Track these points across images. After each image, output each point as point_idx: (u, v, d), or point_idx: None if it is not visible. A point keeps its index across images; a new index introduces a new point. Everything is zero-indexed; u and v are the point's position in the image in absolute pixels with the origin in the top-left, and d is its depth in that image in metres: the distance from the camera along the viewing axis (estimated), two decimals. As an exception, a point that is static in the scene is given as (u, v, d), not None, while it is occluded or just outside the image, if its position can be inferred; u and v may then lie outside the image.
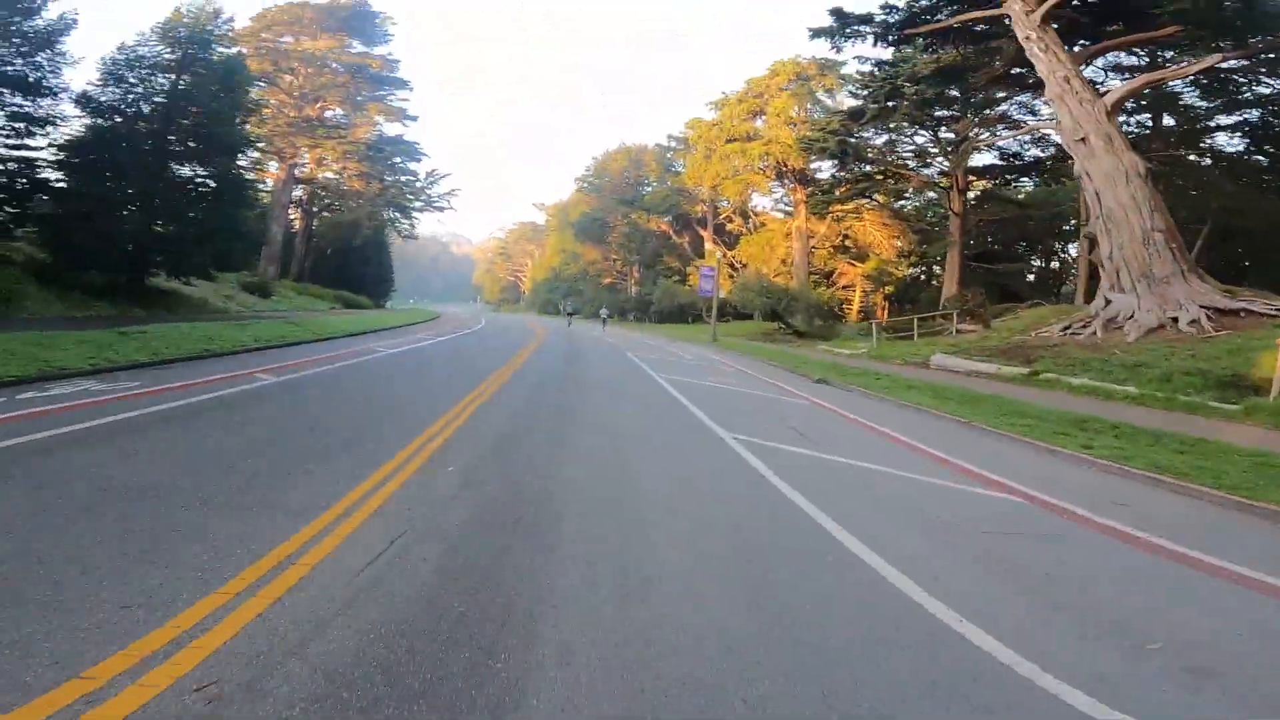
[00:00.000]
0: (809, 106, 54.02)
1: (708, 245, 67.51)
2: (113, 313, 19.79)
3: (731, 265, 62.15)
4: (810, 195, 49.54)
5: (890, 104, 35.11)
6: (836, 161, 43.97)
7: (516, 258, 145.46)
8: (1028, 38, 25.10)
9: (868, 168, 41.18)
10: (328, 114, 55.24)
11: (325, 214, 61.30)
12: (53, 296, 19.13)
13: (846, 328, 39.20)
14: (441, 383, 15.38)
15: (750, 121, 55.36)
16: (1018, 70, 30.21)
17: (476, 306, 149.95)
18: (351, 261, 61.56)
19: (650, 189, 74.86)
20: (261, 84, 43.36)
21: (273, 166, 49.47)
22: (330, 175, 55.48)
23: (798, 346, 32.83)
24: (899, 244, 49.37)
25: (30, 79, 20.85)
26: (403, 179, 61.37)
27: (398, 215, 64.56)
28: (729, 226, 67.99)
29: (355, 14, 53.05)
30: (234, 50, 28.58)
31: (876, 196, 46.11)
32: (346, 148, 52.82)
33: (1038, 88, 28.15)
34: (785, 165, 51.02)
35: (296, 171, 52.59)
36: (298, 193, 55.97)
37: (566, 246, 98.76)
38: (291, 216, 56.47)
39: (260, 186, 49.82)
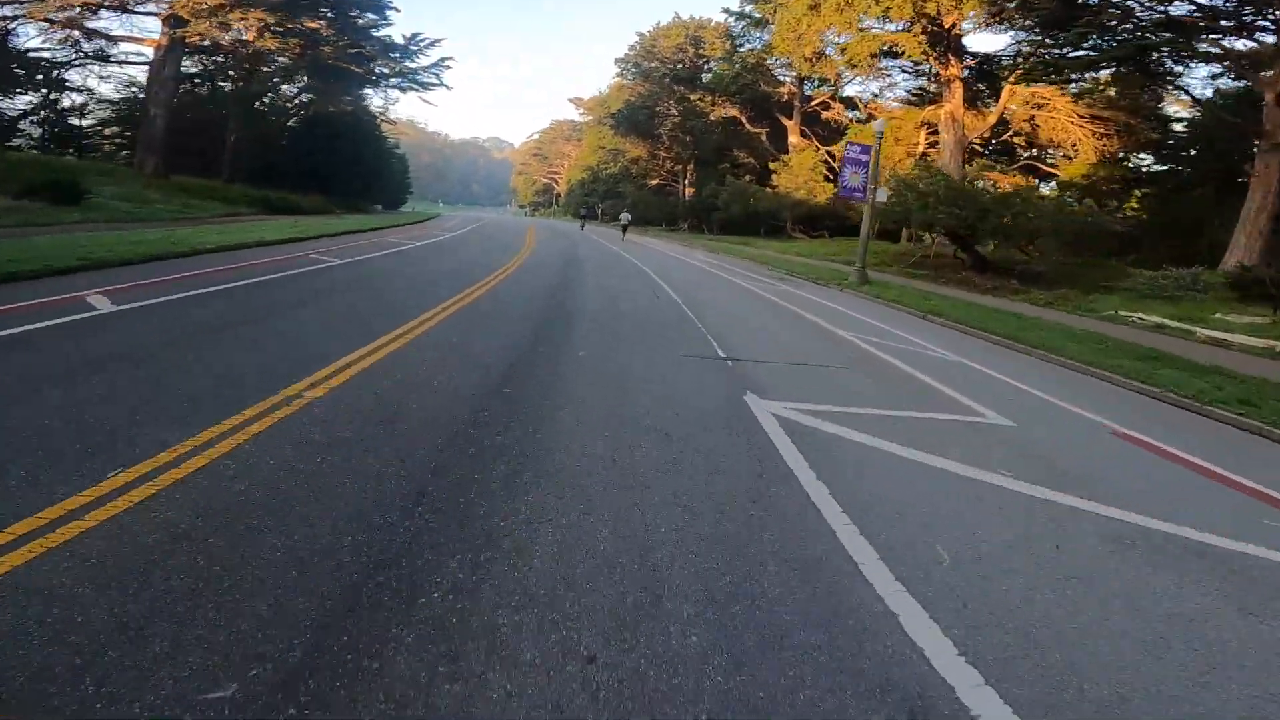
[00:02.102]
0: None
1: (793, 139, 51.85)
2: None
3: (830, 168, 46.82)
4: (982, 67, 33.94)
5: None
6: (1037, 27, 28.83)
7: (552, 159, 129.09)
8: None
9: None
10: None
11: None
12: None
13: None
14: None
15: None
16: None
17: (505, 212, 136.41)
18: (334, 162, 47.96)
19: (712, 72, 58.19)
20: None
21: (150, 32, 34.37)
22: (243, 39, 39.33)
23: (1040, 303, 18.37)
24: (1102, 145, 33.28)
25: None
26: (365, 44, 45.96)
27: (369, 93, 50.25)
28: (825, 116, 52.14)
29: None
30: None
31: (1102, 75, 30.64)
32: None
33: None
34: (941, 24, 34.87)
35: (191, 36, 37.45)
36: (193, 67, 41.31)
37: (605, 143, 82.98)
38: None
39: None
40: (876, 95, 50.09)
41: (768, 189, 48.38)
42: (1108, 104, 32.29)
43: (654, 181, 77.12)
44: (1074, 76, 32.54)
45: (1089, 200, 21.37)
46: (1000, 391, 8.21)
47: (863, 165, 19.95)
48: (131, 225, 17.66)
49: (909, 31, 35.60)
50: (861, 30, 36.52)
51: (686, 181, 67.27)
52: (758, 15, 51.17)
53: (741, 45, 55.91)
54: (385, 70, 47.65)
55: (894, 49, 37.65)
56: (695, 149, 62.17)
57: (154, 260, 11.76)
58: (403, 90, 51.93)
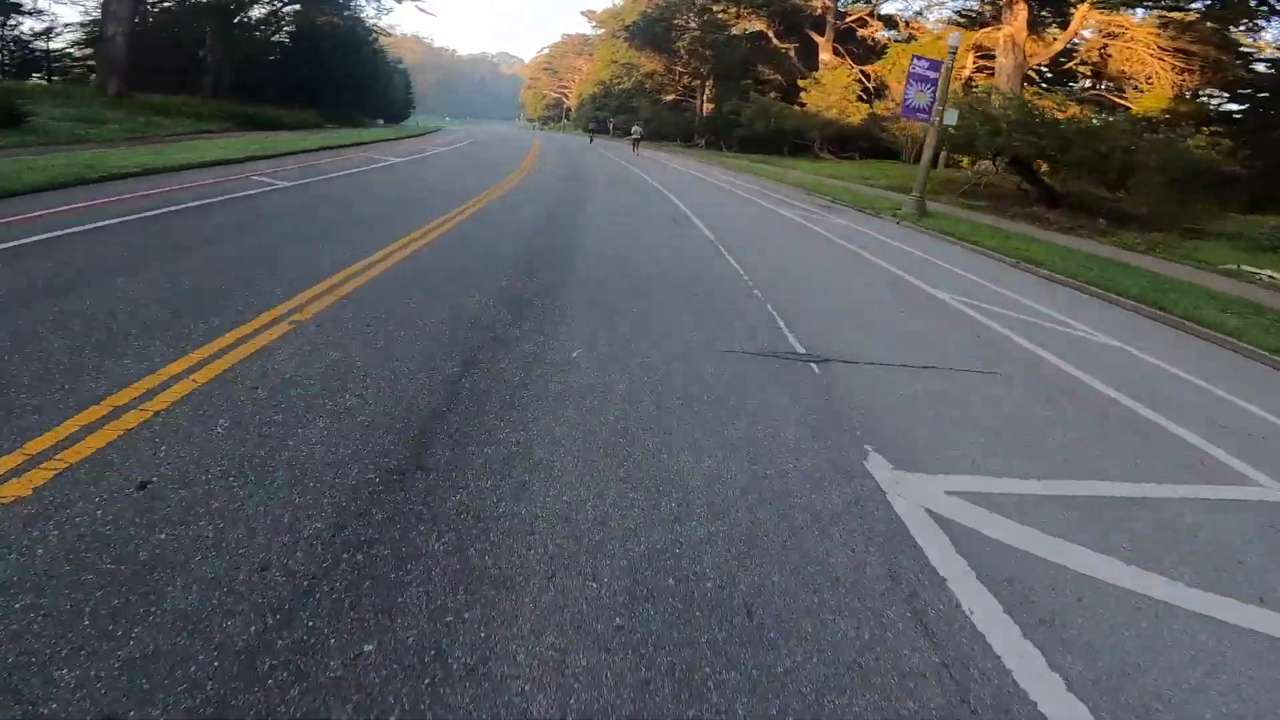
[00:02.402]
0: None
1: (824, 57, 47.37)
2: None
3: (865, 88, 42.68)
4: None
5: None
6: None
7: (563, 74, 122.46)
8: None
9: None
10: None
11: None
12: None
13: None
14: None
15: None
16: None
17: (512, 126, 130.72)
18: (324, 75, 44.81)
19: None
20: None
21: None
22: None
23: (1138, 249, 15.28)
24: (1181, 80, 29.09)
25: None
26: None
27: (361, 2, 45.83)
28: (861, 33, 47.53)
29: None
30: None
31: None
32: None
33: None
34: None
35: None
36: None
37: (619, 57, 77.58)
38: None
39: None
40: (920, 13, 45.61)
41: (794, 107, 44.18)
42: (1197, 36, 28.11)
43: (669, 97, 72.23)
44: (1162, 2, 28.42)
45: (1197, 135, 17.75)
46: (1228, 417, 5.43)
47: (930, 83, 16.52)
48: (71, 148, 14.74)
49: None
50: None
51: (705, 98, 62.67)
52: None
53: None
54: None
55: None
56: (715, 64, 57.43)
57: (52, 189, 9.05)
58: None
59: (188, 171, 12.32)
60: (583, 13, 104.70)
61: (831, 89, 41.76)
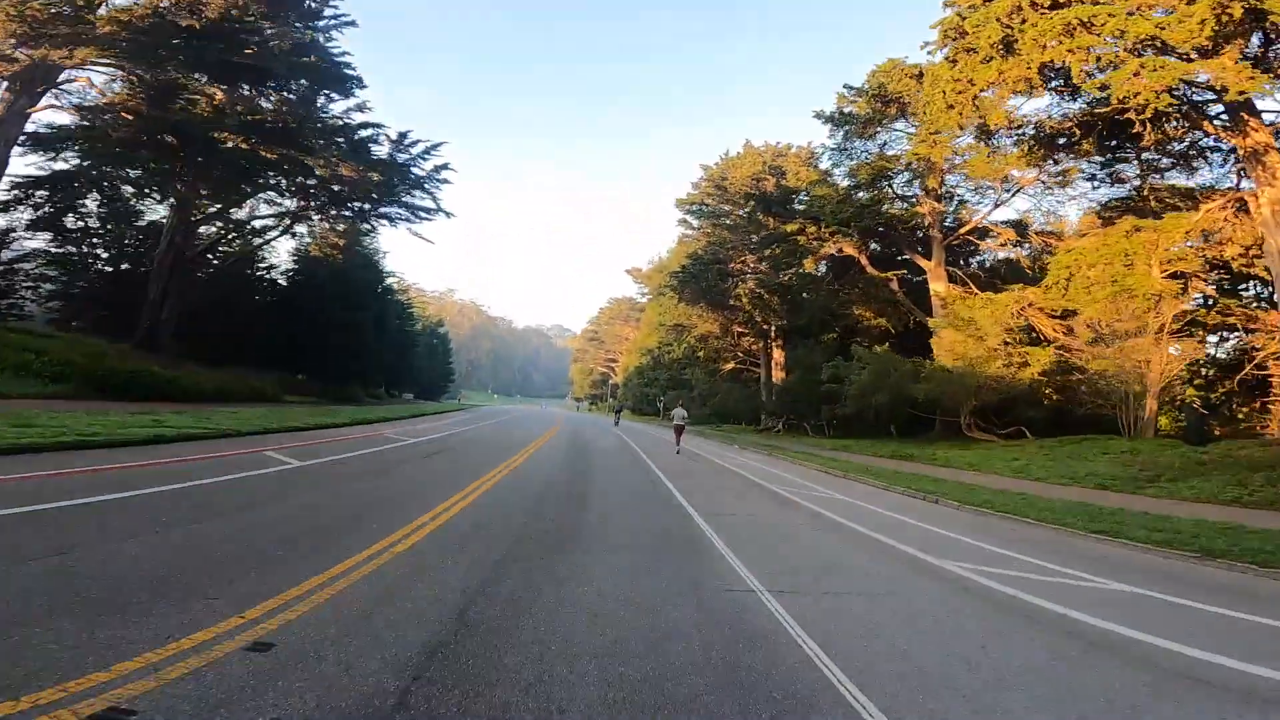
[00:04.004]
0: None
1: (937, 286, 33.72)
2: None
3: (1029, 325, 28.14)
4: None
5: None
6: None
7: (609, 343, 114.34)
8: None
9: None
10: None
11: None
12: None
13: None
14: None
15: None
16: None
17: (547, 405, 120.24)
18: (321, 334, 37.51)
19: (807, 200, 41.13)
20: None
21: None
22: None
23: None
24: None
25: None
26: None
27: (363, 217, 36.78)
28: (983, 246, 34.60)
29: None
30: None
31: None
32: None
33: None
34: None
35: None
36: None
37: (666, 318, 67.08)
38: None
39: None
40: (1052, 214, 32.94)
41: (926, 363, 29.26)
42: None
43: (728, 365, 59.62)
44: None
45: None
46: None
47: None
48: None
49: (1213, 56, 18.12)
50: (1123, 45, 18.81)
51: (776, 362, 49.19)
52: (862, 114, 35.19)
53: (837, 165, 39.68)
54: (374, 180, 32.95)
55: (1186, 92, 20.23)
56: (787, 315, 44.52)
57: None
58: (392, 222, 37.47)
59: None
60: (627, 270, 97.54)
61: (986, 326, 27.02)
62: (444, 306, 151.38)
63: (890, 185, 35.06)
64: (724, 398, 51.97)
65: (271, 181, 32.35)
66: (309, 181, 32.06)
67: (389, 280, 50.93)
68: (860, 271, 37.63)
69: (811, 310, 40.77)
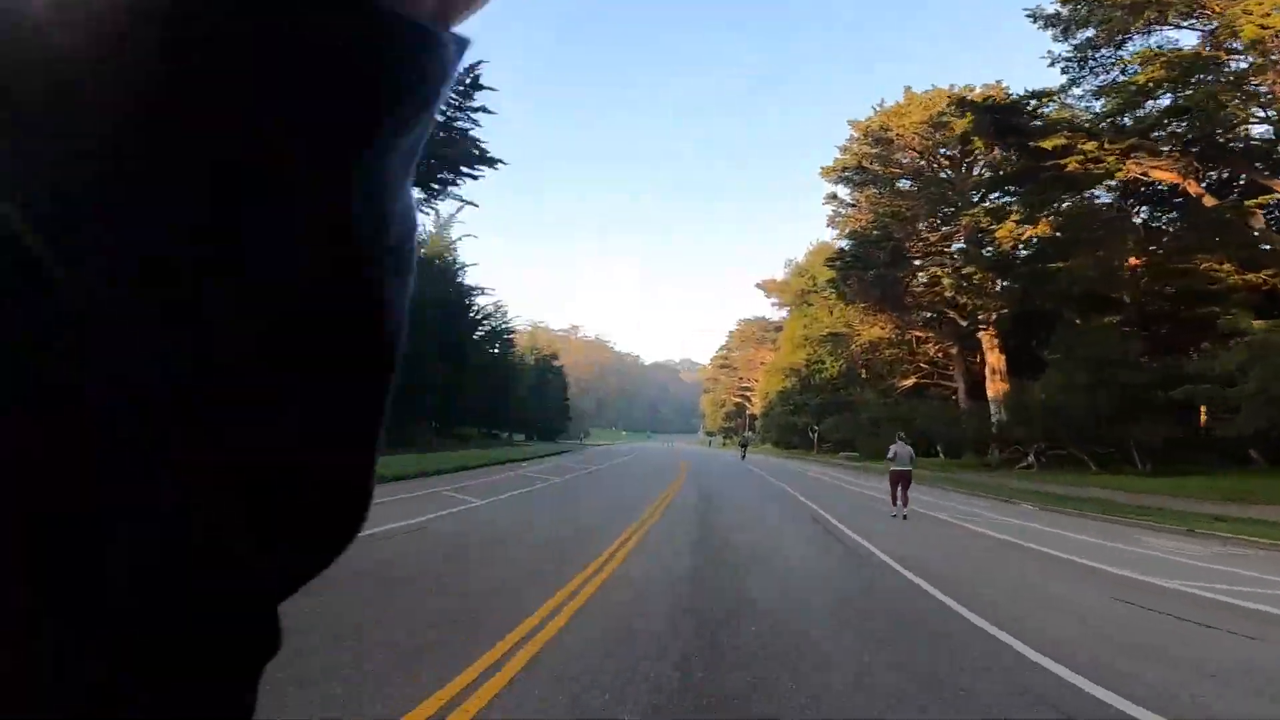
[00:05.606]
0: None
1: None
2: None
3: None
4: None
5: None
6: None
7: (742, 369, 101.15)
8: None
9: None
10: None
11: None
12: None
13: None
14: None
15: None
16: None
17: (688, 441, 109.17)
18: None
19: (1047, 116, 26.90)
20: None
21: None
22: None
23: None
24: None
25: None
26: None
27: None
28: None
29: None
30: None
31: None
32: None
33: None
34: None
35: None
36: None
37: (814, 328, 53.91)
38: None
39: None
40: None
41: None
42: None
43: (907, 381, 45.37)
44: None
45: None
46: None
47: None
48: None
49: None
50: None
51: (999, 373, 34.50)
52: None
53: (1083, 78, 25.57)
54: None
55: None
56: (1010, 289, 30.36)
57: None
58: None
59: None
60: (758, 285, 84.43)
61: None
62: (570, 344, 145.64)
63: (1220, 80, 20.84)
64: (907, 423, 38.03)
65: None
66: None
67: (476, 296, 40.78)
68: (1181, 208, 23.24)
69: (1061, 287, 26.44)
